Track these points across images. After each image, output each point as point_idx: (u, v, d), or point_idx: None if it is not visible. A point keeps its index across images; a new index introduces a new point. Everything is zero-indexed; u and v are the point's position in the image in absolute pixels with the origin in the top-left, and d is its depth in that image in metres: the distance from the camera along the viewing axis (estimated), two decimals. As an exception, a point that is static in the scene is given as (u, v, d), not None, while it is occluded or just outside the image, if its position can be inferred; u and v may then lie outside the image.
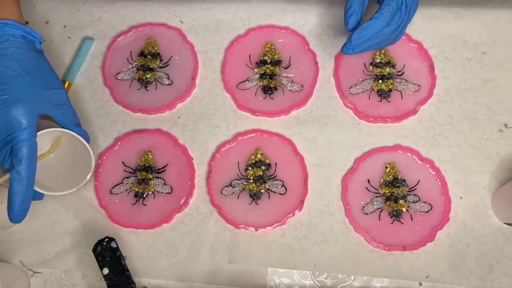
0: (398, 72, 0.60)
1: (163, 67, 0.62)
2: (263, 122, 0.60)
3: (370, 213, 0.55)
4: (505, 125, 0.58)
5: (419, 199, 0.55)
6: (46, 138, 0.50)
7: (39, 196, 0.50)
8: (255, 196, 0.56)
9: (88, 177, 0.51)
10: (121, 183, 0.58)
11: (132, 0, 0.67)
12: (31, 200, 0.46)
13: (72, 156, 0.52)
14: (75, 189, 0.51)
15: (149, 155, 0.58)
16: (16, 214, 0.45)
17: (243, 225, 0.55)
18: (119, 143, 0.60)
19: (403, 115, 0.58)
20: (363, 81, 0.60)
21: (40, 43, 0.50)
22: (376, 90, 0.60)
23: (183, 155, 0.59)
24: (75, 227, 0.57)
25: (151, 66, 0.62)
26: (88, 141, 0.51)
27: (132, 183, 0.58)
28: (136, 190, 0.57)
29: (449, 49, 0.62)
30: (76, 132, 0.50)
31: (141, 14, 0.66)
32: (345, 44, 0.54)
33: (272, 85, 0.60)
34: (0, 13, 0.48)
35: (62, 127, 0.50)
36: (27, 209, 0.46)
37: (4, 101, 0.45)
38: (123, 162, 0.59)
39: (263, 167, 0.57)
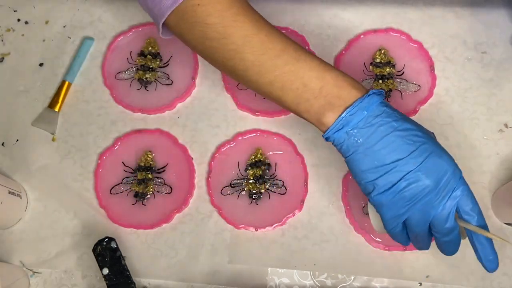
0: (398, 72, 0.60)
1: (163, 67, 0.62)
2: (263, 122, 0.60)
3: (370, 213, 0.55)
4: (505, 125, 0.58)
5: (419, 199, 0.55)
6: None
7: None
8: (255, 196, 0.56)
9: None
10: (121, 183, 0.58)
11: (132, 0, 0.67)
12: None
13: None
14: None
15: (149, 155, 0.58)
16: (494, 262, 0.43)
17: (243, 225, 0.55)
18: (119, 143, 0.60)
19: (403, 115, 0.58)
20: (363, 81, 0.60)
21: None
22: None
23: (183, 155, 0.58)
24: (75, 227, 0.57)
25: (151, 66, 0.62)
26: None
27: (132, 183, 0.58)
28: (136, 190, 0.57)
29: (449, 49, 0.62)
30: None
31: (141, 14, 0.66)
32: None
33: (272, 85, 0.60)
34: (352, 86, 0.44)
35: None
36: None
37: (436, 158, 0.42)
38: (123, 162, 0.59)
39: (263, 167, 0.57)
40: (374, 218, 0.47)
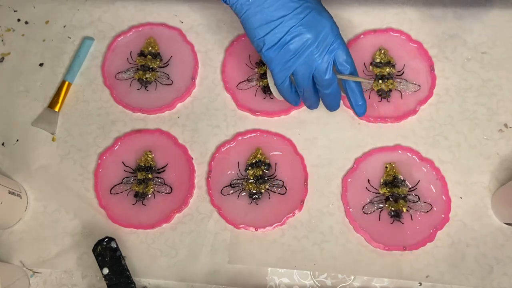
0: (398, 72, 0.60)
1: (163, 67, 0.62)
2: (263, 122, 0.60)
3: (370, 213, 0.55)
4: (505, 125, 0.58)
5: (419, 199, 0.55)
6: None
7: None
8: (255, 196, 0.56)
9: None
10: (121, 183, 0.58)
11: (132, 0, 0.67)
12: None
13: None
14: None
15: (149, 155, 0.58)
16: (363, 107, 0.51)
17: (243, 225, 0.55)
18: (119, 143, 0.60)
19: (403, 115, 0.58)
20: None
21: None
22: (376, 90, 0.60)
23: (183, 155, 0.59)
24: (75, 227, 0.57)
25: (151, 66, 0.62)
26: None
27: (132, 183, 0.58)
28: (136, 190, 0.57)
29: (449, 49, 0.62)
30: None
31: (141, 14, 0.66)
32: None
33: (272, 85, 0.60)
34: None
35: None
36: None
37: (316, 15, 0.47)
38: (123, 162, 0.59)
39: (263, 167, 0.57)
40: (271, 82, 0.53)
